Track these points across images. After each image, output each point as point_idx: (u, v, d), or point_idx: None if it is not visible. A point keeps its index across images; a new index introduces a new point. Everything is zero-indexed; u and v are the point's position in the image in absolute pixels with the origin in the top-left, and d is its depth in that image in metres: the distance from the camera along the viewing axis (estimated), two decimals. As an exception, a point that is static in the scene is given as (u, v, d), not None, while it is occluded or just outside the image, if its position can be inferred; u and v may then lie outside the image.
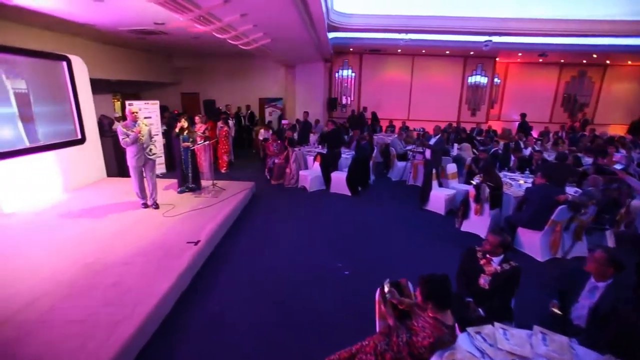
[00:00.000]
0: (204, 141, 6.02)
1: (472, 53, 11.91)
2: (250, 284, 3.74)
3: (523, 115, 13.04)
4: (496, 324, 2.18)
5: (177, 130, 5.80)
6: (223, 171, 8.48)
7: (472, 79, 13.07)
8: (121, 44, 9.37)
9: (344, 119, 13.18)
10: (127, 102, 7.36)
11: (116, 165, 7.20)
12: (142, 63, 10.86)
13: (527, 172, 6.27)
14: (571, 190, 5.15)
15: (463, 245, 4.96)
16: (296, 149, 7.68)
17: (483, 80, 13.05)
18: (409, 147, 8.97)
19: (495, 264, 2.71)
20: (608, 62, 13.18)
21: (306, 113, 10.88)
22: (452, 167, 6.80)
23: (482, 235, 5.17)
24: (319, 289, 3.70)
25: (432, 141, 6.90)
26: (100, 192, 6.09)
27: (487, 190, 5.03)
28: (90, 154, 6.68)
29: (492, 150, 7.64)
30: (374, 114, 12.63)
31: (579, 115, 14.02)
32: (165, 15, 5.92)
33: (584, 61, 13.14)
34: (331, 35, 7.59)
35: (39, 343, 2.53)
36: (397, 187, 7.82)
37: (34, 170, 5.43)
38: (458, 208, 5.71)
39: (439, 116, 12.97)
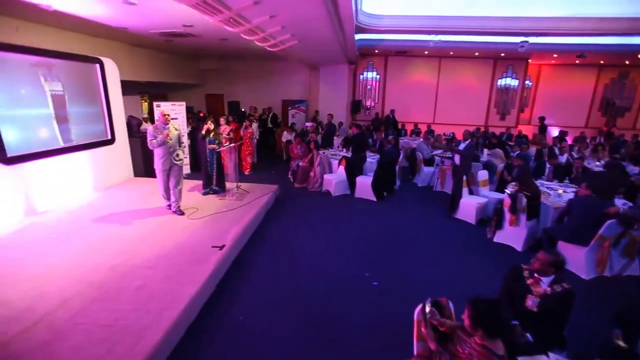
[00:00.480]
0: (230, 143, 6.00)
1: (503, 55, 11.43)
2: (276, 292, 3.64)
3: (542, 119, 12.43)
4: (551, 355, 1.96)
5: (203, 132, 5.81)
6: (246, 173, 8.48)
7: (502, 82, 12.55)
8: (150, 47, 9.59)
9: (368, 121, 13.01)
10: (155, 104, 7.53)
11: (143, 166, 7.32)
12: (169, 65, 11.09)
13: (566, 181, 5.87)
14: (619, 203, 4.76)
15: (496, 257, 4.74)
16: (321, 152, 7.57)
17: (514, 82, 12.51)
18: (435, 152, 8.69)
19: (544, 284, 2.48)
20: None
21: (330, 115, 10.77)
22: (483, 174, 6.49)
23: (518, 247, 4.89)
24: (346, 301, 3.56)
25: (462, 146, 6.60)
26: (127, 192, 6.19)
27: (525, 200, 4.73)
28: (119, 154, 6.82)
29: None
30: (390, 116, 12.38)
31: (609, 120, 13.20)
32: (194, 17, 5.98)
33: (627, 62, 12.34)
34: (358, 37, 7.44)
35: (69, 346, 2.52)
36: (424, 193, 7.56)
37: (66, 170, 5.57)
38: (490, 217, 5.43)
39: (465, 120, 12.56)
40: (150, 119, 8.98)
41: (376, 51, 11.80)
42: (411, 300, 3.07)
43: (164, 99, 12.79)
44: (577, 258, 4.25)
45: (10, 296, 3.05)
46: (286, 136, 10.75)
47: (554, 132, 12.80)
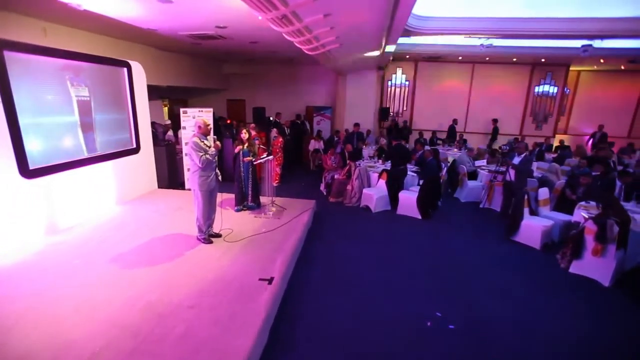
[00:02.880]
0: (267, 155, 5.47)
1: (543, 60, 10.73)
2: (335, 339, 3.06)
3: (600, 127, 11.56)
4: None
5: (243, 146, 5.26)
6: (275, 184, 7.93)
7: (539, 89, 11.83)
8: (174, 50, 9.21)
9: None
10: (182, 110, 7.07)
11: (167, 177, 6.86)
12: (191, 69, 10.70)
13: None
14: None
15: (579, 293, 4.07)
16: (359, 164, 7.00)
17: (552, 90, 11.78)
18: (478, 164, 8.05)
19: None
20: None
21: (357, 125, 10.25)
22: (544, 192, 5.81)
23: (604, 282, 4.21)
24: (421, 352, 2.95)
25: (516, 160, 5.99)
26: (152, 206, 5.70)
27: (616, 228, 4.07)
28: (143, 164, 6.37)
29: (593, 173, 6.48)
30: (400, 124, 11.86)
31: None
32: (228, 17, 5.54)
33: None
34: (401, 40, 6.89)
35: None
36: (470, 211, 6.91)
37: (89, 182, 5.13)
38: (564, 244, 4.76)
39: (500, 129, 11.85)
40: (174, 125, 8.56)
41: (407, 56, 11.22)
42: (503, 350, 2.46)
43: (184, 103, 12.45)
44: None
45: (33, 345, 2.54)
46: (314, 145, 10.25)
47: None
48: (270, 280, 3.44)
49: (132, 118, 5.93)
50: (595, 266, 4.33)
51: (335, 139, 10.86)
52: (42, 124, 4.33)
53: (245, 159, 5.29)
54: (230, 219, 5.11)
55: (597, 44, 6.86)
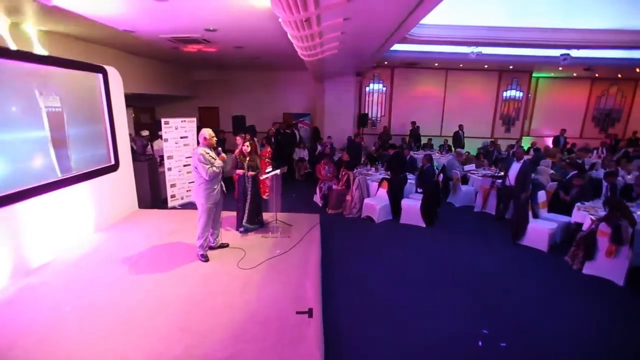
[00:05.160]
0: (272, 169, 5.02)
1: (511, 67, 11.35)
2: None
3: (563, 131, 12.36)
4: None
5: (245, 160, 4.79)
6: (265, 197, 7.45)
7: (507, 94, 12.52)
8: (143, 54, 8.38)
9: (375, 135, 12.44)
10: (163, 120, 6.39)
11: (150, 195, 6.12)
12: (159, 75, 9.84)
13: (639, 202, 5.46)
14: None
15: (598, 295, 4.16)
16: (356, 173, 6.77)
17: (518, 94, 12.53)
18: (468, 169, 8.20)
19: None
20: (642, 76, 12.87)
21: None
22: (542, 195, 5.98)
23: (618, 282, 4.33)
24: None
25: (516, 165, 6.12)
26: (137, 230, 5.01)
27: (631, 229, 4.21)
28: (123, 182, 5.61)
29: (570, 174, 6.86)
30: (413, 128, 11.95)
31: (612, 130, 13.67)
32: (220, 19, 5.07)
33: (619, 75, 12.80)
34: (396, 47, 6.83)
35: None
36: (467, 215, 6.97)
37: (63, 208, 4.34)
38: (574, 245, 4.86)
39: (473, 132, 12.34)
40: (152, 136, 7.75)
41: (386, 62, 11.30)
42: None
43: (152, 112, 11.47)
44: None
45: None
46: (298, 153, 9.88)
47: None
48: (310, 313, 3.05)
49: (109, 130, 5.19)
50: (607, 266, 4.45)
51: (319, 147, 10.59)
52: (7, 141, 3.57)
53: (249, 173, 4.81)
54: (235, 240, 4.61)
55: (574, 53, 7.35)
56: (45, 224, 4.04)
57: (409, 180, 6.80)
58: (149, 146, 6.86)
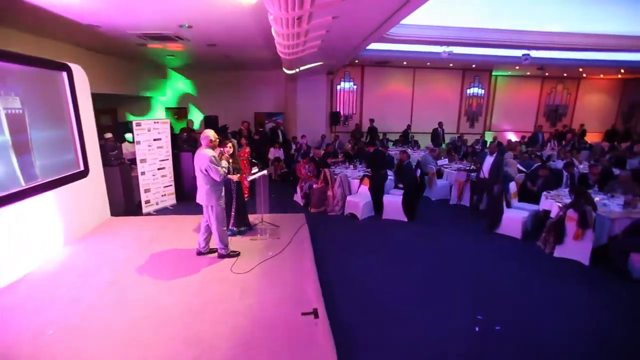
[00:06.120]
0: (258, 170, 4.89)
1: (474, 66, 11.99)
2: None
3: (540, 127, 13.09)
4: None
5: (229, 162, 4.60)
6: (245, 198, 7.27)
7: (470, 91, 13.22)
8: (103, 51, 7.81)
9: (347, 133, 12.57)
10: (134, 122, 6.04)
11: (124, 202, 5.72)
12: (122, 74, 9.24)
13: (595, 189, 5.98)
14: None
15: (568, 275, 4.53)
16: (335, 170, 6.81)
17: (480, 92, 13.27)
18: (441, 163, 8.54)
19: None
20: (585, 75, 14.16)
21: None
22: (513, 186, 6.39)
23: (584, 262, 4.74)
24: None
25: (489, 159, 6.47)
26: (114, 241, 4.67)
27: (594, 214, 4.62)
28: (93, 189, 5.21)
29: (534, 166, 7.40)
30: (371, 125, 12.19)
31: (560, 125, 14.88)
32: (196, 16, 4.86)
33: (565, 74, 13.98)
34: (370, 46, 6.92)
35: None
36: (444, 208, 7.28)
37: (27, 220, 3.93)
38: (545, 231, 5.24)
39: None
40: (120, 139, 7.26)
41: (356, 61, 11.45)
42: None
43: (114, 113, 10.74)
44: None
45: None
46: (274, 153, 9.73)
47: (510, 137, 13.96)
48: (315, 313, 3.02)
49: (77, 133, 4.79)
50: (575, 249, 4.85)
51: (294, 146, 10.52)
52: (-37, 148, 3.17)
53: (234, 177, 4.64)
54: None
55: (534, 53, 7.93)
56: (8, 240, 3.64)
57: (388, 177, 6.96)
58: (120, 149, 6.42)
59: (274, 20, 3.39)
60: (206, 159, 3.74)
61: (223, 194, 4.03)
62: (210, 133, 3.89)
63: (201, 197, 3.93)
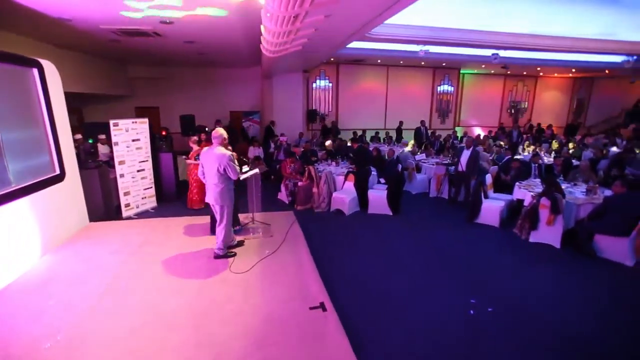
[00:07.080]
0: (250, 168, 4.82)
1: (444, 64, 12.51)
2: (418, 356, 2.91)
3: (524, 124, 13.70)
4: None
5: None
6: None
7: (440, 88, 13.77)
8: (70, 47, 7.33)
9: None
10: (112, 122, 5.74)
11: (103, 206, 5.43)
12: (89, 72, 8.69)
13: (561, 178, 6.48)
14: None
15: (543, 258, 4.92)
16: (319, 167, 6.87)
17: (450, 89, 13.87)
18: (419, 158, 8.87)
19: None
20: (541, 73, 15.23)
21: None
22: (489, 178, 6.78)
23: (556, 245, 5.14)
24: (489, 342, 3.09)
25: (466, 153, 6.80)
26: (98, 247, 4.44)
27: (564, 201, 5.03)
28: (70, 193, 4.90)
29: (505, 158, 7.88)
30: (329, 125, 12.34)
31: (521, 120, 15.92)
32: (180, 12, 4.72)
33: (524, 73, 14.96)
34: (352, 45, 7.03)
35: None
36: (424, 201, 7.58)
37: (1, 229, 3.65)
38: (520, 218, 5.61)
39: (414, 124, 13.32)
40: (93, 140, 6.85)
41: (332, 59, 11.55)
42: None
43: (79, 114, 10.10)
44: (619, 248, 4.67)
45: None
46: (253, 152, 9.60)
47: (478, 131, 14.74)
48: (323, 307, 3.07)
49: (51, 134, 4.48)
50: (548, 233, 5.26)
51: (272, 145, 10.44)
52: None
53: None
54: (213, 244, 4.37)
55: (502, 53, 8.43)
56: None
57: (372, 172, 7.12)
58: (104, 150, 6.09)
59: (269, 18, 3.37)
60: (225, 157, 3.68)
61: (233, 192, 3.99)
62: (223, 131, 3.87)
63: (214, 197, 3.82)
